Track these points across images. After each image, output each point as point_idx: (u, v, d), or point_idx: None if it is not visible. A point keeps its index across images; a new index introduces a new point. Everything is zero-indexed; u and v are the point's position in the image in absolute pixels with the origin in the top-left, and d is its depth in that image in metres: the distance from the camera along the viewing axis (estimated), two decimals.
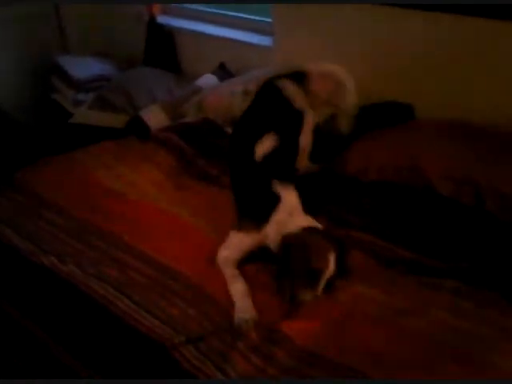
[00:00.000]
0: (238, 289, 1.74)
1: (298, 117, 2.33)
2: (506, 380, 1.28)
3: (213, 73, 3.45)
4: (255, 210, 1.95)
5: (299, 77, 2.46)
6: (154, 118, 3.04)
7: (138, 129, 2.97)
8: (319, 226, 1.89)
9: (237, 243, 1.91)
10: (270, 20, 3.34)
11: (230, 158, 2.26)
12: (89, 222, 2.18)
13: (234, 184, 2.18)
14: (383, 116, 2.74)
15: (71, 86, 3.70)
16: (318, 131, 2.49)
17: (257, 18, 3.57)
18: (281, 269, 1.73)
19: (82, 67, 3.76)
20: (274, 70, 2.87)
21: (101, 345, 1.65)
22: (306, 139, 2.37)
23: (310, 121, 2.37)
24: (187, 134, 2.77)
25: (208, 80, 3.38)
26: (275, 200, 1.89)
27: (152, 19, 3.81)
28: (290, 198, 1.91)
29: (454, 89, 2.61)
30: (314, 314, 1.69)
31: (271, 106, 2.33)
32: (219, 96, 3.04)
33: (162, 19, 3.84)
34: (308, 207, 1.92)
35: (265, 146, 2.08)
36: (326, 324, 1.66)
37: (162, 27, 3.79)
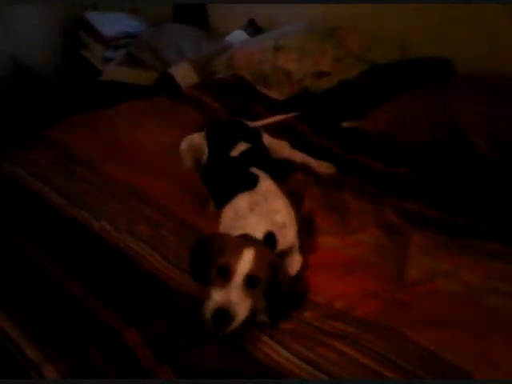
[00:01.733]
0: None
1: (256, 132, 2.29)
2: (506, 380, 1.29)
3: (242, 29, 3.37)
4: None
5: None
6: (184, 74, 3.00)
7: (167, 86, 2.93)
8: (290, 213, 1.80)
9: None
10: None
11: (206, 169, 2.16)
12: (120, 178, 2.19)
13: (211, 181, 2.10)
14: (420, 73, 2.65)
15: (99, 41, 3.67)
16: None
17: None
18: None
19: (111, 23, 3.72)
20: (303, 25, 2.79)
21: (134, 300, 1.66)
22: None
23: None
24: (218, 93, 2.73)
25: (238, 36, 3.31)
26: (251, 182, 1.83)
27: None
28: (266, 182, 1.85)
29: (493, 44, 2.49)
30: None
31: (235, 126, 2.31)
32: (249, 52, 2.98)
33: None
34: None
35: (240, 147, 2.07)
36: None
37: None
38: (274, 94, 2.88)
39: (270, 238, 1.65)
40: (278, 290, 1.54)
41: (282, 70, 2.86)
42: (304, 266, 1.76)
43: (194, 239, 1.80)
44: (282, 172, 2.17)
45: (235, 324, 1.43)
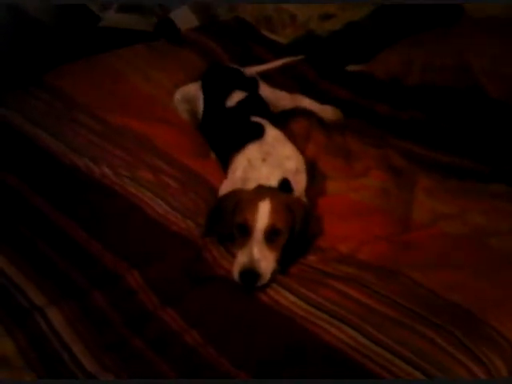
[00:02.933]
0: None
1: (253, 81, 2.21)
2: (505, 380, 1.26)
3: None
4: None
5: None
6: (184, 19, 2.91)
7: (167, 31, 2.84)
8: (300, 158, 1.80)
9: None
10: None
11: (204, 120, 2.13)
12: (121, 124, 2.15)
13: (210, 133, 2.06)
14: (429, 14, 2.54)
15: None
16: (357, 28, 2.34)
17: None
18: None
19: None
20: None
21: (136, 244, 1.64)
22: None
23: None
24: (220, 36, 2.64)
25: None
26: (257, 132, 1.81)
27: None
28: (272, 130, 1.84)
29: None
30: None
31: (231, 73, 2.24)
32: None
33: None
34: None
35: (235, 96, 2.02)
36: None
37: None
38: (277, 37, 2.80)
39: (284, 185, 1.65)
40: (293, 234, 1.53)
41: (286, 13, 2.76)
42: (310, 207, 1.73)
43: (195, 185, 1.84)
44: (282, 118, 2.11)
45: (263, 280, 1.45)
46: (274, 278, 1.49)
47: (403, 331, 1.31)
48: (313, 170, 1.91)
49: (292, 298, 1.44)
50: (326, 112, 2.23)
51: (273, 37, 2.79)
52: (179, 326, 1.37)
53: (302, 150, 1.92)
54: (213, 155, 2.01)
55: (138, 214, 1.73)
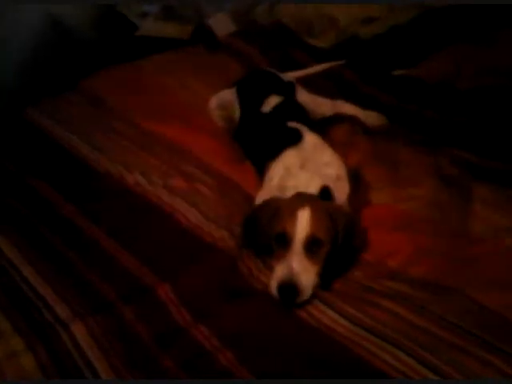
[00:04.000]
0: None
1: (290, 86, 2.11)
2: (505, 380, 1.12)
3: None
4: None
5: None
6: (222, 25, 2.85)
7: (204, 37, 2.78)
8: (341, 165, 1.68)
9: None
10: None
11: (240, 127, 2.04)
12: (155, 131, 2.09)
13: (246, 139, 1.96)
14: (477, 19, 2.39)
15: None
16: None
17: None
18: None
19: None
20: None
21: (168, 255, 1.55)
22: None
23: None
24: (258, 40, 2.57)
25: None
26: (294, 137, 1.71)
27: None
28: (310, 135, 1.73)
29: None
30: None
31: (267, 78, 2.15)
32: None
33: None
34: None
35: (271, 101, 1.93)
36: None
37: None
38: (318, 43, 2.69)
39: (325, 193, 1.53)
40: (336, 245, 1.42)
41: (327, 17, 2.66)
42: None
43: (231, 193, 1.76)
44: (323, 125, 2.00)
45: (303, 296, 1.34)
46: (315, 294, 1.37)
47: (465, 357, 1.17)
48: (356, 179, 1.78)
49: (335, 316, 1.32)
50: (370, 117, 2.10)
51: (314, 42, 2.68)
52: (212, 344, 1.26)
53: (344, 158, 1.79)
54: (248, 163, 1.91)
55: (171, 224, 1.65)
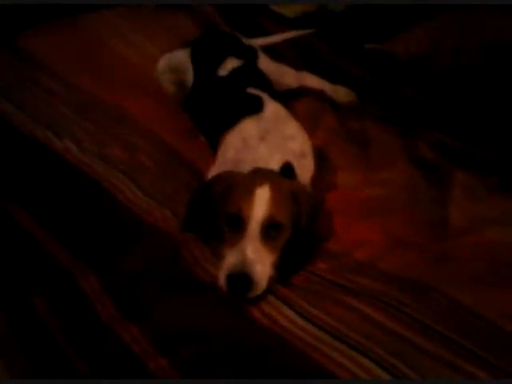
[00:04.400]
0: None
1: (251, 51, 1.90)
2: (505, 380, 0.99)
3: None
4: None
5: None
6: None
7: None
8: (307, 139, 1.50)
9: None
10: None
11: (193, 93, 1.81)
12: (93, 93, 1.87)
13: (199, 108, 1.74)
14: None
15: None
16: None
17: None
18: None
19: None
20: None
21: (97, 237, 1.31)
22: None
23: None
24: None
25: None
26: (254, 105, 1.51)
27: None
28: (273, 104, 1.55)
29: None
30: None
31: (226, 39, 1.93)
32: None
33: None
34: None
35: (229, 64, 1.72)
36: None
37: None
38: (285, 11, 2.46)
39: (287, 171, 1.34)
40: (297, 231, 1.22)
41: None
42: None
43: (177, 168, 1.58)
44: (286, 98, 1.78)
45: (257, 290, 1.14)
46: (270, 289, 1.17)
47: (441, 367, 1.00)
48: (321, 159, 1.58)
49: (293, 316, 1.12)
50: (338, 93, 1.92)
51: (280, 9, 2.45)
52: (142, 349, 1.03)
53: (309, 135, 1.58)
54: (202, 137, 1.70)
55: (104, 199, 1.44)
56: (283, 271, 1.20)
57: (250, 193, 1.17)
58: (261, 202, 1.16)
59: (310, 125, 1.71)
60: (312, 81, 1.96)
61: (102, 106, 1.81)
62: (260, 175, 1.23)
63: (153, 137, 1.68)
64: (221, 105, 1.59)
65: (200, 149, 1.64)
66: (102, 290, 1.15)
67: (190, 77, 1.80)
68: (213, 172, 1.42)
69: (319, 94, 1.91)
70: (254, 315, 1.11)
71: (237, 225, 1.16)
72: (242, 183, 1.20)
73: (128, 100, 1.82)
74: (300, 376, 0.99)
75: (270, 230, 1.17)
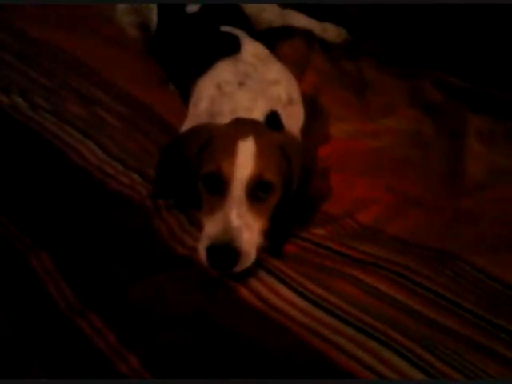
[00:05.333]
0: None
1: None
2: (505, 380, 0.85)
3: None
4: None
5: None
6: None
7: None
8: (294, 84, 1.32)
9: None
10: None
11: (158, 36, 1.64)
12: (44, 41, 1.71)
13: (166, 52, 1.57)
14: None
15: None
16: None
17: None
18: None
19: None
20: None
21: (50, 207, 1.11)
22: None
23: None
24: None
25: None
26: (230, 46, 1.35)
27: None
28: (252, 43, 1.39)
29: None
30: None
31: None
32: None
33: None
34: None
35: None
36: None
37: None
38: None
39: (272, 121, 1.16)
40: (289, 191, 1.04)
41: None
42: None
43: (145, 125, 1.39)
44: (269, 40, 1.59)
45: (245, 263, 0.96)
46: (260, 261, 1.00)
47: (470, 351, 0.83)
48: (312, 107, 1.41)
49: (287, 293, 0.94)
50: (328, 31, 1.77)
51: None
52: (108, 343, 0.84)
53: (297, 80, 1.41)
54: (172, 86, 1.53)
55: (59, 163, 1.23)
56: (274, 240, 1.03)
57: (231, 147, 0.99)
58: (245, 158, 0.98)
59: (297, 69, 1.54)
60: (298, 19, 1.80)
61: (54, 54, 1.63)
62: (242, 126, 1.05)
63: (115, 89, 1.51)
64: (190, 47, 1.42)
65: (171, 100, 1.46)
66: (58, 273, 0.95)
67: (154, 16, 1.61)
68: (185, 127, 1.25)
69: (307, 34, 1.75)
70: (242, 294, 0.93)
71: (217, 186, 0.99)
72: (221, 136, 1.02)
73: (85, 47, 1.65)
74: (296, 368, 0.81)
75: (257, 190, 0.99)
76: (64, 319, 0.88)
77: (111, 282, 0.95)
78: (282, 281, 0.96)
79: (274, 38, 1.66)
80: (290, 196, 1.04)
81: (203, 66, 1.30)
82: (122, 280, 0.95)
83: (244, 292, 0.93)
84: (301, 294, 0.93)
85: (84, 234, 1.05)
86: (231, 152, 0.98)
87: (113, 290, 0.93)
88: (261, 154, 0.99)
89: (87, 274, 0.96)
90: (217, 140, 1.01)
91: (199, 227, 1.03)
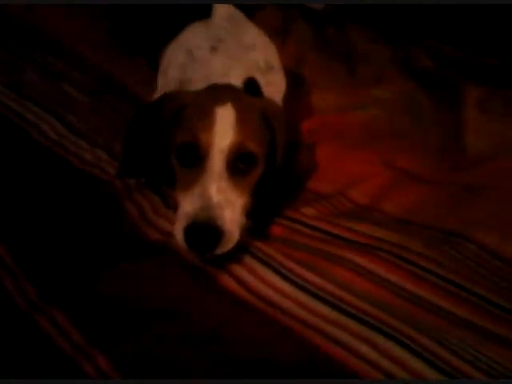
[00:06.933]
0: None
1: None
2: (505, 380, 0.77)
3: None
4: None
5: None
6: None
7: None
8: (272, 48, 1.23)
9: None
10: None
11: None
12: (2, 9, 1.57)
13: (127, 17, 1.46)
14: None
15: None
16: None
17: None
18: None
19: None
20: None
21: (12, 194, 0.98)
22: None
23: None
24: None
25: None
26: (200, 8, 1.27)
27: None
28: (224, 6, 1.30)
29: None
30: None
31: None
32: None
33: None
34: None
35: None
36: None
37: None
38: None
39: (251, 89, 1.06)
40: (274, 163, 0.94)
41: None
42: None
43: (112, 97, 1.28)
44: (245, 6, 1.49)
45: (227, 244, 0.85)
46: (244, 244, 0.89)
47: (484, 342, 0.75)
48: (295, 77, 1.31)
49: (275, 279, 0.84)
50: None
51: None
52: (73, 343, 0.73)
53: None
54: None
55: (17, 140, 1.10)
56: (258, 219, 0.92)
57: (207, 114, 0.88)
58: (224, 126, 0.87)
59: (277, 37, 1.42)
60: None
61: (8, 21, 1.51)
62: (219, 92, 0.94)
63: (78, 59, 1.40)
64: (155, 10, 1.29)
65: (139, 70, 1.35)
66: (15, 266, 0.83)
67: None
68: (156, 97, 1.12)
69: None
70: (224, 283, 0.83)
71: (193, 158, 0.87)
72: (196, 103, 0.91)
73: (43, 13, 1.54)
74: (288, 367, 0.71)
75: (238, 162, 0.88)
76: (22, 316, 0.76)
77: (74, 273, 0.83)
78: (268, 265, 0.85)
79: (250, 7, 1.55)
80: (275, 170, 0.93)
81: (171, 31, 1.20)
82: (88, 271, 0.84)
83: (225, 279, 0.83)
84: (289, 280, 0.83)
85: (44, 219, 0.92)
86: (208, 119, 0.87)
87: (77, 282, 0.81)
88: (241, 121, 0.88)
89: (46, 265, 0.84)
90: (191, 107, 0.90)
91: (174, 207, 0.91)
